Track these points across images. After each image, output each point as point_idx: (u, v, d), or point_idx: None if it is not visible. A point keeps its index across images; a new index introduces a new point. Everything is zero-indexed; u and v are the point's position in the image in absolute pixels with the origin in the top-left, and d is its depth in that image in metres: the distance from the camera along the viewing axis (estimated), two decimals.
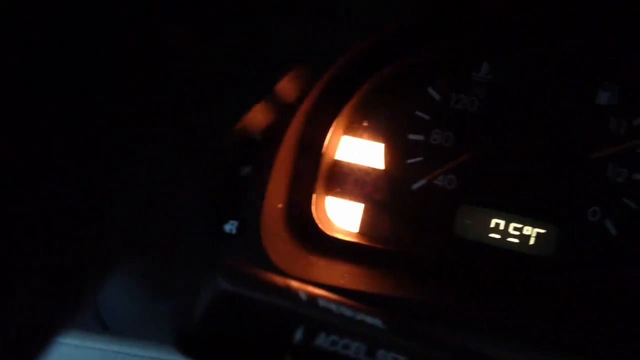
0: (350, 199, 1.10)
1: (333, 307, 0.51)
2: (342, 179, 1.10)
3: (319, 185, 1.06)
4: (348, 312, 0.54)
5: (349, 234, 1.10)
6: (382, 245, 1.08)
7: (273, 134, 0.92)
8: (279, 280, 0.54)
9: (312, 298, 0.51)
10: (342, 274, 1.04)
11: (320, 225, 1.06)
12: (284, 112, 0.88)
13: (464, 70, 1.05)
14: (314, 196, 1.05)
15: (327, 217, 1.09)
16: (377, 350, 0.52)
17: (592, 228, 1.02)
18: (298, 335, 0.48)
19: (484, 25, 1.04)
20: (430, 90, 1.06)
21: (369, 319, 0.55)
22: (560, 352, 0.95)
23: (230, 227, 0.85)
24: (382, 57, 0.96)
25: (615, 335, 0.94)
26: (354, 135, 1.09)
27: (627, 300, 1.00)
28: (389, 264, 1.08)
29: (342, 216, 1.11)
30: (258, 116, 0.86)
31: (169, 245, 0.60)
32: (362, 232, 1.11)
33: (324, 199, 1.09)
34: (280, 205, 1.01)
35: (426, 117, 1.07)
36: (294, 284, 0.56)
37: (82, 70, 0.27)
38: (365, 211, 1.10)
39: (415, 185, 1.08)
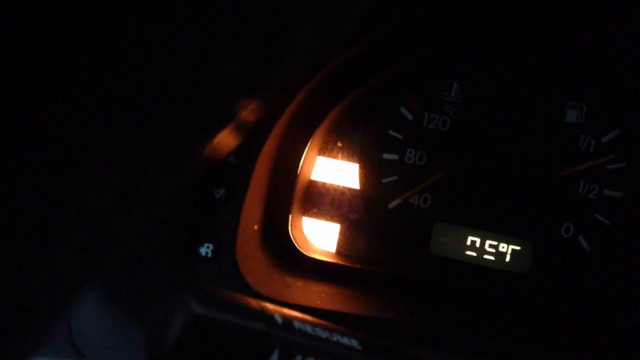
0: (327, 219, 1.10)
1: (309, 329, 0.51)
2: (318, 200, 1.10)
3: (295, 206, 1.06)
4: (324, 334, 0.53)
5: (326, 254, 1.10)
6: (359, 265, 1.08)
7: (247, 156, 0.91)
8: (253, 303, 0.54)
9: (288, 320, 0.50)
10: (320, 295, 1.03)
11: (297, 246, 1.05)
12: (258, 134, 0.88)
13: (436, 90, 1.06)
14: (290, 217, 1.05)
15: (304, 237, 1.09)
16: None
17: (566, 244, 1.04)
18: (273, 359, 0.48)
19: (454, 46, 1.06)
20: (403, 110, 1.07)
21: (345, 340, 0.55)
22: None
23: (205, 250, 0.84)
24: (351, 78, 0.96)
25: (588, 349, 0.94)
26: (329, 155, 1.09)
27: (600, 315, 1.01)
28: (366, 284, 1.08)
29: (319, 236, 1.11)
30: (229, 138, 0.86)
31: (140, 270, 0.59)
32: (339, 252, 1.10)
33: (301, 219, 1.09)
34: (256, 227, 1.00)
35: (400, 136, 1.08)
36: (269, 306, 0.55)
37: (30, 89, 0.26)
38: (342, 231, 1.10)
39: (391, 205, 1.09)
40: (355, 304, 1.05)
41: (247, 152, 0.92)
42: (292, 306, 0.90)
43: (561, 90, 1.02)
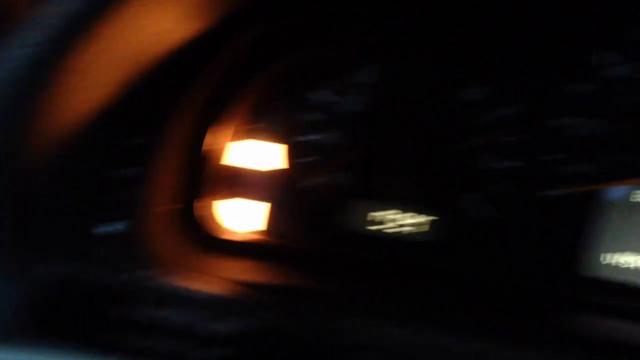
0: (246, 198, 1.15)
1: (160, 283, 0.55)
2: (236, 181, 1.13)
3: (208, 188, 1.10)
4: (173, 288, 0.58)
5: (243, 235, 1.13)
6: (280, 242, 1.13)
7: (158, 137, 0.96)
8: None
9: (139, 278, 0.55)
10: (234, 271, 1.08)
11: (209, 228, 1.08)
12: (166, 114, 0.93)
13: (350, 71, 1.11)
14: (201, 199, 1.09)
15: (218, 218, 1.11)
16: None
17: (465, 214, 1.10)
18: (126, 310, 0.53)
19: (365, 28, 1.11)
20: (318, 92, 1.12)
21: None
22: (446, 331, 1.00)
23: (107, 229, 0.87)
24: (260, 59, 1.01)
25: (487, 312, 1.00)
26: (246, 138, 1.14)
27: (498, 281, 1.08)
28: (286, 260, 1.13)
29: (237, 218, 1.13)
30: (140, 117, 0.90)
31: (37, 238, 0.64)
32: (258, 232, 1.14)
33: (216, 201, 1.12)
34: (166, 209, 1.02)
35: (316, 117, 1.12)
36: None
37: None
38: (262, 211, 1.15)
39: (307, 183, 1.14)
40: (271, 276, 1.10)
41: (158, 133, 0.96)
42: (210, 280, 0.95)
43: (461, 69, 1.08)
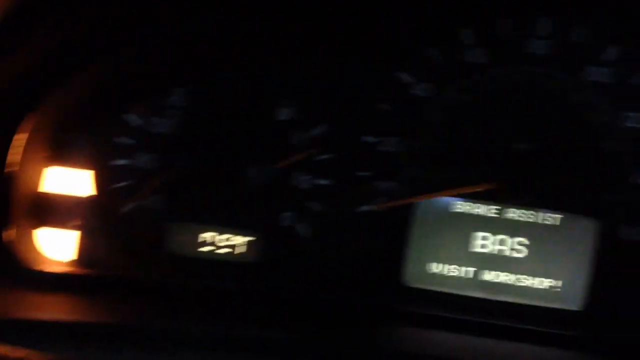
0: (62, 228, 1.11)
1: None
2: (51, 210, 1.10)
3: (22, 218, 1.06)
4: None
5: (62, 264, 1.10)
6: (98, 272, 1.10)
7: None
8: None
9: None
10: (55, 306, 1.03)
11: (26, 260, 1.04)
12: None
13: (160, 95, 1.11)
14: (17, 230, 1.04)
15: (35, 249, 1.08)
16: None
17: (286, 232, 1.12)
18: None
19: (176, 53, 1.11)
20: (129, 116, 1.10)
21: None
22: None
23: None
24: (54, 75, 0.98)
25: (311, 326, 1.02)
26: (59, 165, 1.10)
27: (321, 297, 1.10)
28: (107, 290, 1.09)
29: (56, 247, 1.10)
30: None
31: None
32: (77, 261, 1.10)
33: (32, 231, 1.08)
34: None
35: (128, 141, 1.11)
36: None
37: None
38: (79, 240, 1.11)
39: (125, 209, 1.11)
40: (93, 312, 1.06)
41: None
42: (22, 322, 0.91)
43: (272, 90, 1.11)
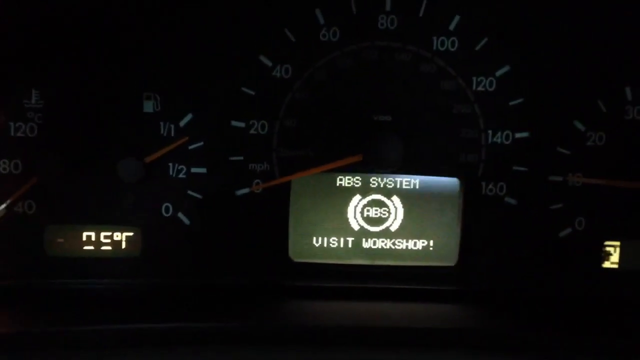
0: None
1: None
2: None
3: None
4: None
5: None
6: None
7: None
8: None
9: None
10: None
11: None
12: None
13: (16, 99, 1.10)
14: None
15: None
16: None
17: (169, 223, 1.14)
18: None
19: (29, 52, 1.10)
20: None
21: None
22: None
23: None
24: None
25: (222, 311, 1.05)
26: None
27: (211, 282, 1.14)
28: None
29: None
30: None
31: None
32: None
33: None
34: None
35: None
36: None
37: None
38: None
39: None
40: None
41: None
42: None
43: (136, 83, 1.11)
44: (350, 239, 1.17)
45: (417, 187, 1.15)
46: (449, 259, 1.17)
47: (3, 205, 1.08)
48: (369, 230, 1.17)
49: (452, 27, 1.11)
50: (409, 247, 1.17)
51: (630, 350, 0.99)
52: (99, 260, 1.14)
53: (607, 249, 1.16)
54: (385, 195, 1.16)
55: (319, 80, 1.12)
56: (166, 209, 1.14)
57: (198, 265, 1.15)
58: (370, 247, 1.17)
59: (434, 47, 1.12)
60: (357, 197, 1.16)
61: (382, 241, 1.17)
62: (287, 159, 1.14)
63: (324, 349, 0.98)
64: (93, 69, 1.10)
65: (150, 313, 1.06)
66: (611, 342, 0.99)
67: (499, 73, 1.12)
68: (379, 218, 1.16)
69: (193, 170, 1.13)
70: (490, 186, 1.15)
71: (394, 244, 1.17)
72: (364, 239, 1.17)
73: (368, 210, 1.16)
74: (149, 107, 1.11)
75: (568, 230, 1.15)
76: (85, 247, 1.13)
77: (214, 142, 1.13)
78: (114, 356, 0.98)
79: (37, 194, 1.11)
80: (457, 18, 1.11)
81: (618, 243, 1.16)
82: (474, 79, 1.12)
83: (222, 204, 1.14)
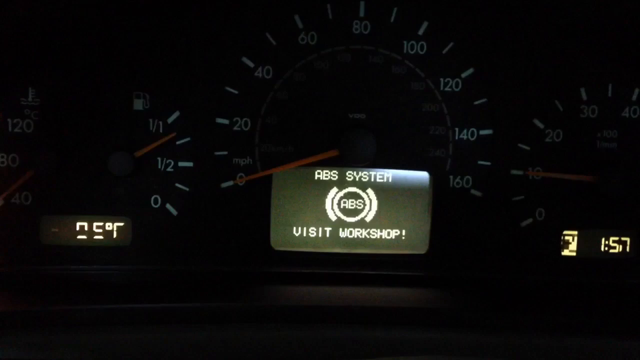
0: None
1: None
2: None
3: None
4: None
5: None
6: None
7: None
8: None
9: None
10: None
11: None
12: None
13: (14, 96, 1.17)
14: None
15: None
16: None
17: (158, 213, 1.22)
18: None
19: (26, 53, 1.17)
20: None
21: None
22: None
23: None
24: None
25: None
26: None
27: (196, 270, 1.21)
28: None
29: None
30: None
31: None
32: None
33: None
34: None
35: None
36: None
37: None
38: None
39: None
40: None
41: None
42: None
43: (127, 83, 1.19)
44: (328, 229, 1.25)
45: (390, 180, 1.24)
46: (420, 248, 1.25)
47: (1, 197, 1.15)
48: (345, 221, 1.25)
49: (420, 32, 1.21)
50: (383, 237, 1.25)
51: (584, 327, 1.07)
52: (91, 249, 1.21)
53: (566, 237, 1.25)
54: (360, 188, 1.24)
55: (298, 80, 1.20)
56: (155, 200, 1.21)
57: (185, 253, 1.22)
58: (346, 237, 1.25)
59: (404, 51, 1.20)
60: (334, 189, 1.24)
61: (358, 231, 1.25)
62: (269, 154, 1.22)
63: (303, 327, 1.06)
64: (87, 69, 1.17)
65: (139, 296, 1.13)
66: (567, 321, 1.08)
67: (464, 75, 1.21)
68: (354, 209, 1.25)
69: (180, 164, 1.21)
70: (457, 179, 1.24)
71: (369, 233, 1.25)
72: (340, 229, 1.25)
73: (344, 202, 1.24)
74: (138, 105, 1.19)
75: (529, 221, 1.24)
76: (79, 236, 1.20)
77: (200, 137, 1.20)
78: (105, 333, 1.04)
79: (33, 186, 1.18)
80: (425, 24, 1.20)
81: (576, 232, 1.25)
82: (442, 80, 1.21)
83: (207, 196, 1.22)
